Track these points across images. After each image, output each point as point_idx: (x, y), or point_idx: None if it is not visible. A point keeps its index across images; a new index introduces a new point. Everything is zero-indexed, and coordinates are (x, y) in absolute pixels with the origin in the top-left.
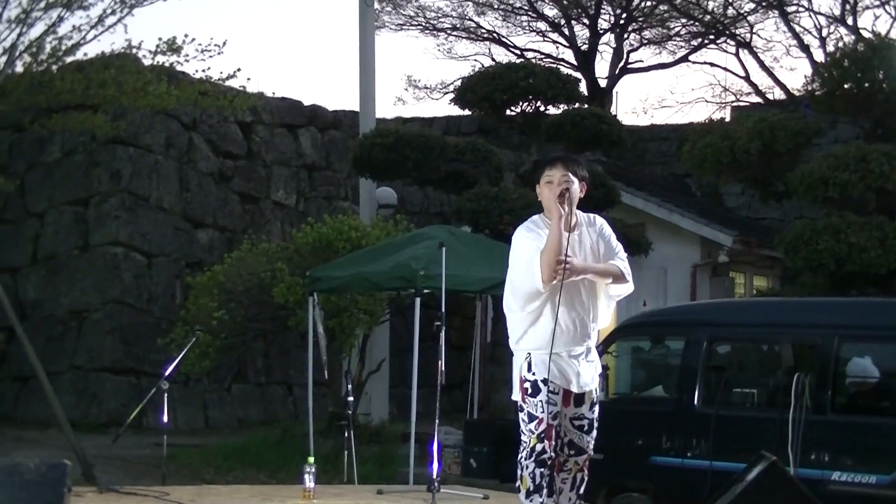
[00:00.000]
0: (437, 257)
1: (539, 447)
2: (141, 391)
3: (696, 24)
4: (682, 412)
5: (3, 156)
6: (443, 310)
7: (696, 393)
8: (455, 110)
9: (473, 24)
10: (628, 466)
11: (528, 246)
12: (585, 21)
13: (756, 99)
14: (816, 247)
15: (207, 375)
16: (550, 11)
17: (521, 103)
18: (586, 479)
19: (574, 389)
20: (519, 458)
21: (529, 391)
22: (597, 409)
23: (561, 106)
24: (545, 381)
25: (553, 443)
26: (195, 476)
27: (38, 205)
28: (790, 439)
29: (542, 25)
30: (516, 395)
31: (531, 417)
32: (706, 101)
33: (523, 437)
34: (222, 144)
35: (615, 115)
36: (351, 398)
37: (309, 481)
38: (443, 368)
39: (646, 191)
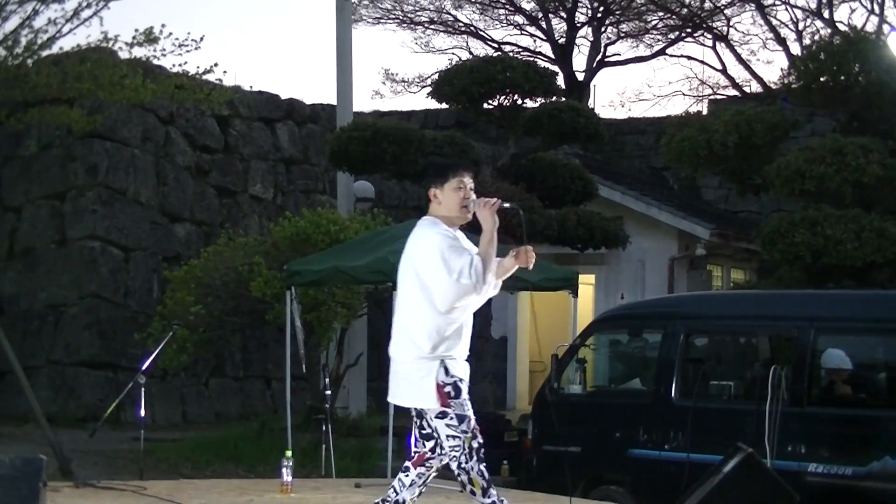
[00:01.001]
0: None
1: (475, 444)
2: (118, 386)
3: (674, 17)
4: (659, 405)
5: None
6: None
7: (674, 385)
8: (433, 104)
9: (451, 18)
10: (606, 459)
11: (454, 250)
12: (563, 14)
13: (733, 92)
14: (793, 239)
15: (185, 370)
16: (528, 5)
17: (498, 97)
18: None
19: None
20: (460, 464)
21: (452, 394)
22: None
23: (538, 99)
24: (462, 381)
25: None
26: (173, 470)
27: (15, 199)
28: (767, 431)
29: (519, 19)
30: (434, 403)
31: (461, 419)
32: (683, 95)
33: (453, 442)
34: (199, 138)
35: (593, 109)
36: (329, 392)
37: (286, 475)
38: None
39: (624, 184)
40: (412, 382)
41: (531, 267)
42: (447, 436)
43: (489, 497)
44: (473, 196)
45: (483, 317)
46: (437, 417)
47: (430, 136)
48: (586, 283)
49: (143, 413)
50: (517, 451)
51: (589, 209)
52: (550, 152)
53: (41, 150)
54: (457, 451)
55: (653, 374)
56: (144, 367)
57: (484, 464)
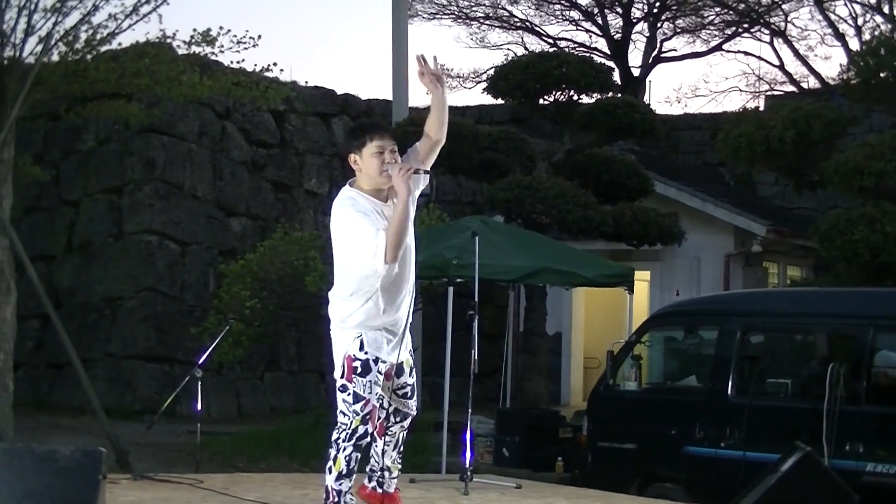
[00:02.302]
0: (469, 246)
1: (361, 430)
2: (174, 379)
3: (730, 12)
4: (715, 402)
5: (38, 144)
6: (475, 299)
7: (730, 383)
8: (488, 99)
9: (506, 13)
10: (661, 456)
11: (364, 225)
12: (619, 10)
13: (790, 88)
14: (851, 236)
15: (240, 363)
16: (584, 0)
17: (553, 92)
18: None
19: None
20: (336, 438)
21: (359, 370)
22: (415, 373)
23: (594, 95)
24: (376, 361)
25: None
26: (228, 464)
27: (73, 193)
28: (824, 430)
29: (575, 14)
30: (338, 373)
31: (357, 398)
32: (740, 91)
33: (343, 419)
34: (255, 133)
35: (648, 104)
36: None
37: None
38: (475, 357)
39: (679, 180)
40: (334, 349)
41: (400, 172)
42: (340, 410)
43: (340, 485)
44: (396, 161)
45: (537, 312)
46: (339, 390)
47: (486, 132)
48: (641, 280)
49: (199, 406)
50: (572, 448)
51: (644, 205)
52: (605, 148)
53: (99, 144)
54: (343, 429)
55: (708, 372)
56: (200, 360)
57: (358, 454)
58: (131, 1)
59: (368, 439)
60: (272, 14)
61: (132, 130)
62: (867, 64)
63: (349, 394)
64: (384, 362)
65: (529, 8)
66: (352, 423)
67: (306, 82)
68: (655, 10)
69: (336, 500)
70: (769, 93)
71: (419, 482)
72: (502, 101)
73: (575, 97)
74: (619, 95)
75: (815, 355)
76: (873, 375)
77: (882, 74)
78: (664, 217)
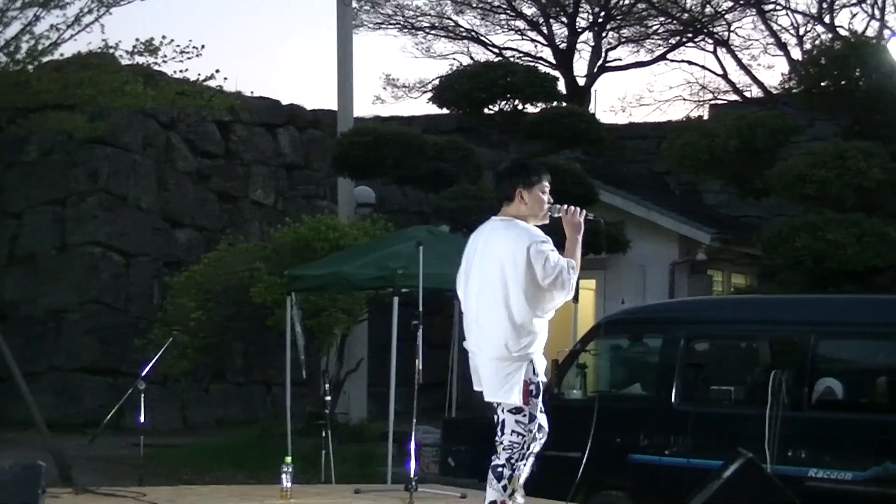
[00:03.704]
0: (415, 256)
1: (534, 447)
2: (119, 391)
3: (675, 22)
4: (660, 410)
5: None
6: (420, 308)
7: (675, 390)
8: (434, 109)
9: (452, 23)
10: (607, 464)
11: (553, 253)
12: (564, 19)
13: (734, 97)
14: (794, 244)
15: (186, 375)
16: (529, 10)
17: (499, 102)
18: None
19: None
20: (510, 458)
21: (534, 393)
22: None
23: (540, 104)
24: (543, 381)
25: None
26: (173, 476)
27: (16, 205)
28: (767, 436)
29: (520, 24)
30: (517, 399)
31: (531, 418)
32: (684, 100)
33: (517, 439)
34: (200, 144)
35: (594, 114)
36: (329, 398)
37: (286, 481)
38: (420, 367)
39: (625, 189)
40: (500, 378)
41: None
42: (513, 431)
43: (517, 498)
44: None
45: None
46: (510, 412)
47: (432, 142)
48: (587, 288)
49: (143, 419)
50: None
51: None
52: (551, 157)
53: (42, 155)
54: (517, 448)
55: (653, 379)
56: (145, 372)
57: (530, 471)
58: (73, 11)
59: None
60: (216, 24)
61: (76, 142)
62: (809, 73)
63: (524, 415)
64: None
65: (475, 18)
66: (526, 443)
67: (252, 92)
68: (600, 20)
69: None
70: (713, 102)
71: (365, 492)
72: (448, 111)
73: (521, 107)
74: (565, 105)
75: (758, 362)
76: (816, 382)
77: (824, 83)
78: (610, 226)
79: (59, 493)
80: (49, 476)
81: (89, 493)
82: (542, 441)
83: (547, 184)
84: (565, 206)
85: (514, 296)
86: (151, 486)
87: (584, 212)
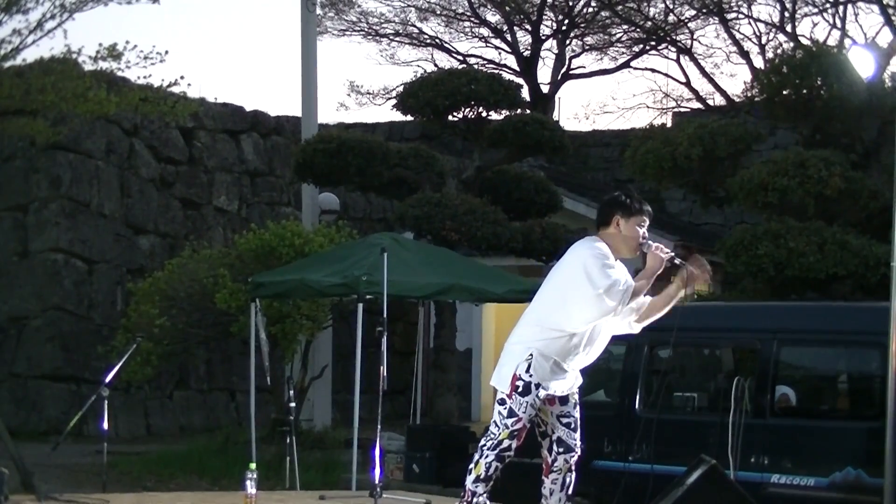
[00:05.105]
0: (379, 263)
1: (507, 443)
2: (81, 399)
3: (638, 30)
4: (623, 416)
5: None
6: (384, 315)
7: (638, 397)
8: (398, 116)
9: (416, 30)
10: None
11: (605, 268)
12: (528, 27)
13: (697, 105)
14: (756, 252)
15: (149, 382)
16: (493, 17)
17: (463, 109)
18: (575, 480)
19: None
20: (482, 446)
21: (520, 389)
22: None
23: (503, 112)
24: (538, 386)
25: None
26: (136, 483)
27: None
28: (730, 443)
29: (484, 31)
30: (505, 387)
31: (511, 414)
32: (647, 107)
33: (494, 429)
34: (164, 150)
35: (557, 121)
36: (293, 404)
37: (250, 488)
38: (385, 374)
39: (588, 196)
40: (501, 363)
41: (707, 276)
42: (493, 420)
43: (476, 486)
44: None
45: (448, 329)
46: (498, 401)
47: (395, 149)
48: None
49: (106, 426)
50: None
51: (553, 221)
52: (515, 165)
53: (3, 161)
54: (491, 438)
55: (617, 386)
56: (108, 379)
57: (499, 464)
58: (36, 16)
59: (511, 454)
60: (180, 29)
61: (38, 148)
62: (771, 82)
63: (506, 407)
64: (545, 389)
65: (439, 25)
66: (500, 434)
67: (215, 99)
68: (564, 28)
69: (470, 499)
70: (676, 110)
71: (330, 499)
72: (412, 118)
73: (484, 114)
74: (529, 112)
75: (721, 369)
76: (777, 389)
77: (785, 92)
78: (573, 233)
79: (21, 500)
80: (11, 484)
81: (52, 501)
82: (574, 458)
83: (647, 219)
84: (655, 244)
85: (550, 290)
86: (114, 493)
87: (672, 254)
